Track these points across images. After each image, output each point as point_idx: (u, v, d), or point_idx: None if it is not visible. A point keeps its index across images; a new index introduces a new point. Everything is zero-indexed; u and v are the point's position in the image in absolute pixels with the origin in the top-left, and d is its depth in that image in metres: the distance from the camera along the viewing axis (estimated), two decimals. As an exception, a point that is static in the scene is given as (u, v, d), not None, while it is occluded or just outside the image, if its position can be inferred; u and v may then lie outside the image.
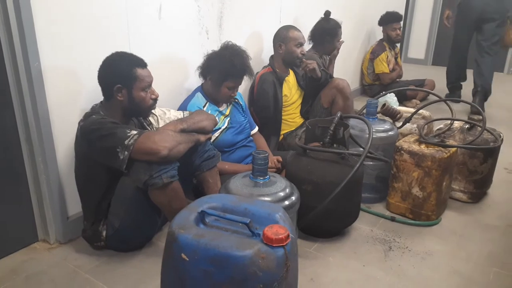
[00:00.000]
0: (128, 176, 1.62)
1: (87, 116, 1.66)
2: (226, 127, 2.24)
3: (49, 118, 1.72)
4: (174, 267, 1.15)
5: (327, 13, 3.12)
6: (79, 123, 1.66)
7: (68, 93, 1.77)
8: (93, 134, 1.59)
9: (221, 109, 2.24)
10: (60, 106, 1.75)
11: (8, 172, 1.74)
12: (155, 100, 1.74)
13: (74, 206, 1.89)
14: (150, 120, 1.90)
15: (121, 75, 1.65)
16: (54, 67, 1.69)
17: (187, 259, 1.10)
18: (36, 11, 1.59)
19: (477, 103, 3.70)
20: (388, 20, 4.29)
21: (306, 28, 3.06)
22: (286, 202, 1.56)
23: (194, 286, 1.12)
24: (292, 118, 2.75)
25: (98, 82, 1.69)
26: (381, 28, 4.39)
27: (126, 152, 1.55)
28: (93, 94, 1.79)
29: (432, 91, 3.34)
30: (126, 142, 1.55)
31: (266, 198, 1.53)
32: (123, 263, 1.76)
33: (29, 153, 1.76)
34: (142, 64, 1.69)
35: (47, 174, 1.76)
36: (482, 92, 3.88)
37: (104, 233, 1.75)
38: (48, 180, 1.77)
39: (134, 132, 1.58)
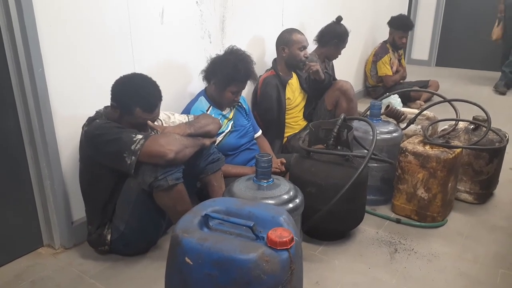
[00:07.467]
0: (133, 178, 1.62)
1: (90, 120, 1.67)
2: (229, 130, 2.24)
3: (53, 122, 1.72)
4: (178, 271, 1.14)
5: (339, 18, 3.14)
6: (82, 127, 1.67)
7: (72, 98, 1.78)
8: (98, 139, 1.60)
9: (224, 112, 2.24)
10: (64, 110, 1.76)
11: (13, 177, 1.75)
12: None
13: (79, 211, 1.89)
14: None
15: (139, 104, 1.64)
16: (57, 73, 1.70)
17: (191, 263, 1.10)
18: (39, 17, 1.60)
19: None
20: (400, 26, 4.19)
21: (308, 31, 3.06)
22: (290, 205, 1.56)
23: (199, 290, 1.11)
24: (295, 121, 2.74)
25: (113, 93, 1.66)
26: (384, 29, 4.35)
27: (133, 157, 1.56)
28: (96, 98, 1.80)
29: (436, 92, 3.33)
30: (132, 147, 1.56)
31: (270, 201, 1.53)
32: (128, 267, 1.76)
33: (33, 157, 1.76)
34: (153, 106, 1.67)
35: (51, 178, 1.76)
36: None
37: (109, 237, 1.75)
38: (53, 185, 1.77)
39: (140, 136, 1.59)
